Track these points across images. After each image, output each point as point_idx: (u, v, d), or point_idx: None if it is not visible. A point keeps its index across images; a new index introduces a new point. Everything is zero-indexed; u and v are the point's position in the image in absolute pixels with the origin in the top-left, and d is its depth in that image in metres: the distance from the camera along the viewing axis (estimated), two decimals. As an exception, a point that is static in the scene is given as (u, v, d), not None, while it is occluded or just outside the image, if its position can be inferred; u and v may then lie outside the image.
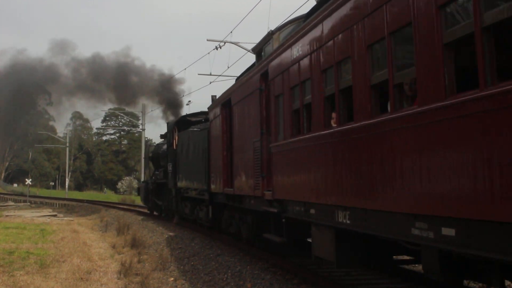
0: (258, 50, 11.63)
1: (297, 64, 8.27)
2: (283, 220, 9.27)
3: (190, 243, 15.16)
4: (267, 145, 9.91)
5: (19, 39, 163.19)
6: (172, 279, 10.94)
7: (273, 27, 15.32)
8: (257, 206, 10.65)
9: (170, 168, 20.42)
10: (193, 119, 20.50)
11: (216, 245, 14.40)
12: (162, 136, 24.64)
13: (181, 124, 20.54)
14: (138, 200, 48.23)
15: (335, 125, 7.04)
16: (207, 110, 16.91)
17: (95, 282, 10.79)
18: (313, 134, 7.64)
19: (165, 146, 22.62)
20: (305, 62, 7.95)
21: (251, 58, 23.48)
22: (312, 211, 7.82)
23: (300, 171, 8.17)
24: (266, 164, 9.97)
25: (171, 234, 17.73)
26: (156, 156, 24.34)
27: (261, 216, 11.14)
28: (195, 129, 17.63)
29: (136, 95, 35.43)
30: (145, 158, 26.35)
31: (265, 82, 10.08)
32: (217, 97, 15.01)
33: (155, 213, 25.16)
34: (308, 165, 7.79)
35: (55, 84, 37.67)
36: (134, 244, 15.74)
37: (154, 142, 26.56)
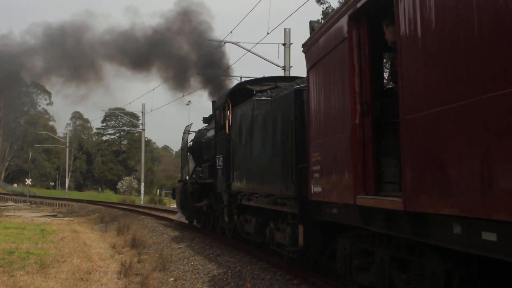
0: None
1: None
2: None
3: (190, 243, 15.16)
4: None
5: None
6: (172, 279, 10.94)
7: (273, 27, 15.08)
8: None
9: (219, 162, 13.92)
10: (257, 87, 13.67)
11: (216, 245, 14.40)
12: (205, 120, 18.24)
13: (237, 97, 13.60)
14: (138, 200, 48.27)
15: None
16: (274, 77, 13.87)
17: (95, 282, 10.79)
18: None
19: (210, 133, 16.01)
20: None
21: (251, 58, 23.39)
22: None
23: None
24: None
25: (171, 234, 17.74)
26: (198, 146, 17.55)
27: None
28: (269, 98, 11.10)
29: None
30: (182, 149, 19.18)
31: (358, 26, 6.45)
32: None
33: (195, 223, 18.57)
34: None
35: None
36: (134, 244, 15.74)
37: (191, 131, 19.55)
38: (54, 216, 32.01)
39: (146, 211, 28.70)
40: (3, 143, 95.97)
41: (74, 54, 29.78)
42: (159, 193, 57.34)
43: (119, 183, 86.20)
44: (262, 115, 10.52)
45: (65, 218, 30.32)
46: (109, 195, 72.89)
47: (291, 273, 9.87)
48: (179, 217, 19.82)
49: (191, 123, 20.18)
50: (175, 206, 44.96)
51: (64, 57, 30.03)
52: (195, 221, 18.39)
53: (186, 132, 19.34)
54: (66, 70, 31.16)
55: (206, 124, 17.88)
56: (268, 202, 10.22)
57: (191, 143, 18.60)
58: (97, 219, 27.85)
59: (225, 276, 10.55)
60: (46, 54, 30.75)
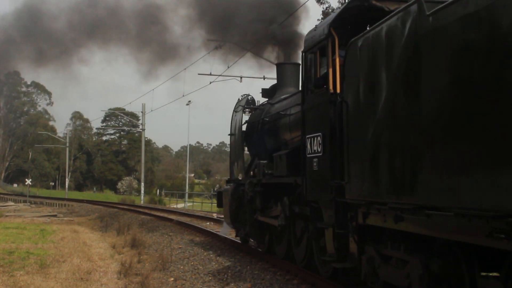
0: None
1: None
2: None
3: (190, 243, 15.16)
4: None
5: None
6: (172, 279, 10.94)
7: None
8: None
9: (313, 146, 8.28)
10: (392, 4, 7.79)
11: (216, 245, 14.40)
12: (266, 93, 13.03)
13: (351, 25, 8.28)
14: (138, 200, 48.18)
15: None
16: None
17: (95, 282, 10.79)
18: None
19: (280, 106, 11.17)
20: None
21: (251, 58, 23.34)
22: None
23: None
24: None
25: (171, 234, 17.74)
26: (260, 128, 12.22)
27: None
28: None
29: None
30: (232, 135, 13.52)
31: None
32: None
33: (251, 242, 13.29)
34: None
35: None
36: (134, 244, 15.74)
37: (248, 108, 13.28)
38: (54, 216, 32.01)
39: (146, 211, 28.71)
40: (3, 143, 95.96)
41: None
42: (159, 193, 57.35)
43: (119, 183, 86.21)
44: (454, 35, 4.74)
45: (65, 218, 30.32)
46: (109, 195, 72.91)
47: (291, 273, 9.87)
48: (224, 231, 14.77)
49: (246, 96, 13.54)
50: (175, 206, 45.23)
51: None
52: (251, 240, 13.00)
53: (239, 109, 13.21)
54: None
55: (266, 100, 12.83)
56: (473, 229, 4.61)
57: (245, 124, 13.14)
58: (97, 219, 27.85)
59: (225, 276, 10.55)
60: (31, 39, 27.93)
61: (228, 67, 23.42)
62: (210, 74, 26.21)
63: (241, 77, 25.67)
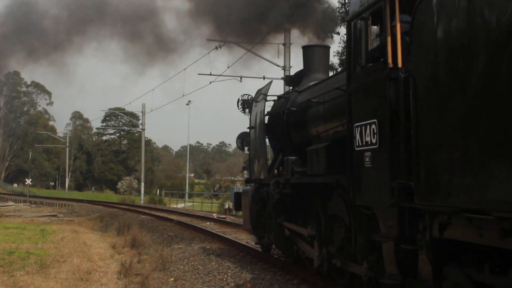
0: None
1: None
2: None
3: (190, 243, 15.16)
4: None
5: None
6: (172, 279, 10.94)
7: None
8: None
9: (365, 137, 6.59)
10: None
11: (216, 245, 14.41)
12: (290, 80, 11.73)
13: None
14: (138, 200, 48.22)
15: None
16: None
17: (95, 282, 10.78)
18: None
19: (308, 94, 9.81)
20: None
21: (251, 58, 23.38)
22: None
23: None
24: None
25: (171, 234, 17.74)
26: (285, 120, 10.67)
27: None
28: None
29: None
30: (252, 127, 11.94)
31: None
32: None
33: (278, 253, 11.58)
34: None
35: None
36: (134, 244, 15.74)
37: (271, 96, 11.65)
38: (54, 216, 32.00)
39: (146, 211, 28.72)
40: (3, 143, 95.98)
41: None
42: (159, 193, 57.37)
43: (119, 183, 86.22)
44: None
45: (65, 218, 30.32)
46: (109, 195, 72.92)
47: (291, 273, 9.87)
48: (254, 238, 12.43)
49: (269, 83, 11.94)
50: (175, 205, 45.28)
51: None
52: (274, 246, 11.25)
53: (261, 99, 11.48)
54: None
55: (290, 89, 11.66)
56: None
57: (270, 112, 11.66)
58: (97, 219, 27.85)
59: (225, 276, 10.55)
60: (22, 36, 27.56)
61: (228, 67, 23.45)
62: (210, 74, 26.27)
63: (241, 77, 25.71)
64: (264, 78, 24.70)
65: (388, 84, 6.09)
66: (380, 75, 6.28)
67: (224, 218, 23.41)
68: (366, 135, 6.50)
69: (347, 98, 7.16)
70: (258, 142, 11.34)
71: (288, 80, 11.86)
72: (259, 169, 11.23)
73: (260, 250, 11.93)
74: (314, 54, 10.97)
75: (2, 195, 59.22)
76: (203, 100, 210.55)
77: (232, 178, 77.66)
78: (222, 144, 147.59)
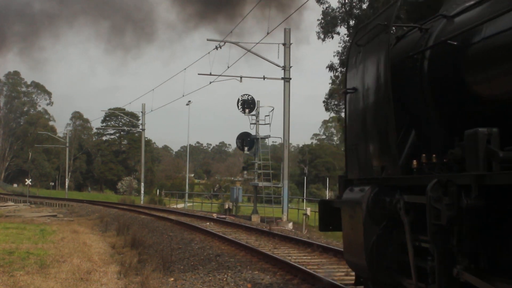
0: None
1: None
2: None
3: (190, 243, 15.16)
4: None
5: None
6: (172, 279, 10.94)
7: (272, 27, 13.80)
8: None
9: None
10: None
11: (216, 245, 14.40)
12: (414, 8, 8.74)
13: None
14: (138, 200, 48.20)
15: None
16: None
17: (95, 282, 10.78)
18: None
19: (466, 14, 5.21)
20: None
21: (252, 58, 23.36)
22: None
23: None
24: None
25: (171, 234, 17.73)
26: (424, 69, 5.61)
27: None
28: None
29: None
30: (352, 90, 6.45)
31: None
32: None
33: None
34: None
35: None
36: (134, 244, 15.73)
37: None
38: (54, 216, 32.00)
39: (146, 211, 28.72)
40: (3, 143, 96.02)
41: None
42: (159, 193, 57.40)
43: (119, 183, 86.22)
44: None
45: (65, 218, 30.32)
46: (109, 195, 72.92)
47: (291, 273, 9.87)
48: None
49: (393, 2, 5.95)
50: (175, 206, 45.36)
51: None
52: None
53: (376, 34, 5.99)
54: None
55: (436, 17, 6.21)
56: None
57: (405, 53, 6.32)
58: (97, 219, 27.84)
59: (225, 276, 10.55)
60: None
61: (228, 67, 23.46)
62: (210, 74, 26.29)
63: (241, 77, 25.69)
64: (264, 78, 24.71)
65: None
66: None
67: (224, 218, 23.42)
68: None
69: None
70: (373, 110, 6.04)
71: (411, 6, 7.55)
72: (376, 158, 5.94)
73: None
74: None
75: (2, 195, 59.21)
76: (203, 100, 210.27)
77: (232, 178, 77.63)
78: (222, 144, 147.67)
